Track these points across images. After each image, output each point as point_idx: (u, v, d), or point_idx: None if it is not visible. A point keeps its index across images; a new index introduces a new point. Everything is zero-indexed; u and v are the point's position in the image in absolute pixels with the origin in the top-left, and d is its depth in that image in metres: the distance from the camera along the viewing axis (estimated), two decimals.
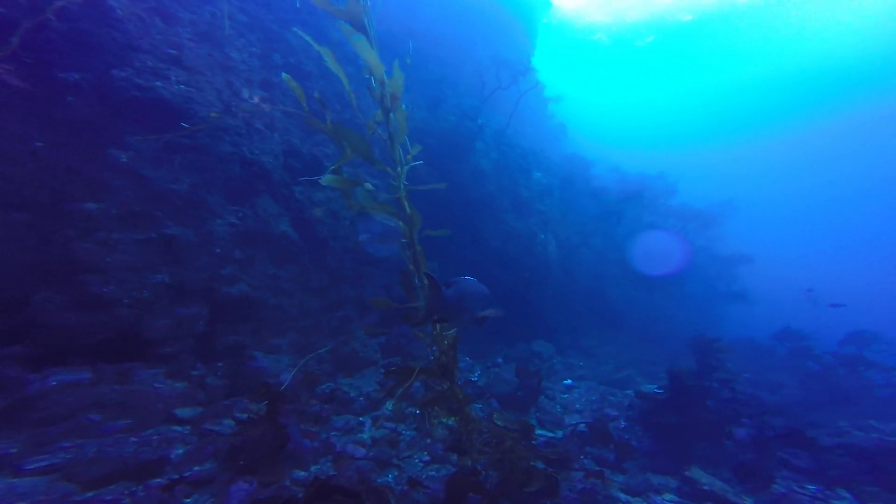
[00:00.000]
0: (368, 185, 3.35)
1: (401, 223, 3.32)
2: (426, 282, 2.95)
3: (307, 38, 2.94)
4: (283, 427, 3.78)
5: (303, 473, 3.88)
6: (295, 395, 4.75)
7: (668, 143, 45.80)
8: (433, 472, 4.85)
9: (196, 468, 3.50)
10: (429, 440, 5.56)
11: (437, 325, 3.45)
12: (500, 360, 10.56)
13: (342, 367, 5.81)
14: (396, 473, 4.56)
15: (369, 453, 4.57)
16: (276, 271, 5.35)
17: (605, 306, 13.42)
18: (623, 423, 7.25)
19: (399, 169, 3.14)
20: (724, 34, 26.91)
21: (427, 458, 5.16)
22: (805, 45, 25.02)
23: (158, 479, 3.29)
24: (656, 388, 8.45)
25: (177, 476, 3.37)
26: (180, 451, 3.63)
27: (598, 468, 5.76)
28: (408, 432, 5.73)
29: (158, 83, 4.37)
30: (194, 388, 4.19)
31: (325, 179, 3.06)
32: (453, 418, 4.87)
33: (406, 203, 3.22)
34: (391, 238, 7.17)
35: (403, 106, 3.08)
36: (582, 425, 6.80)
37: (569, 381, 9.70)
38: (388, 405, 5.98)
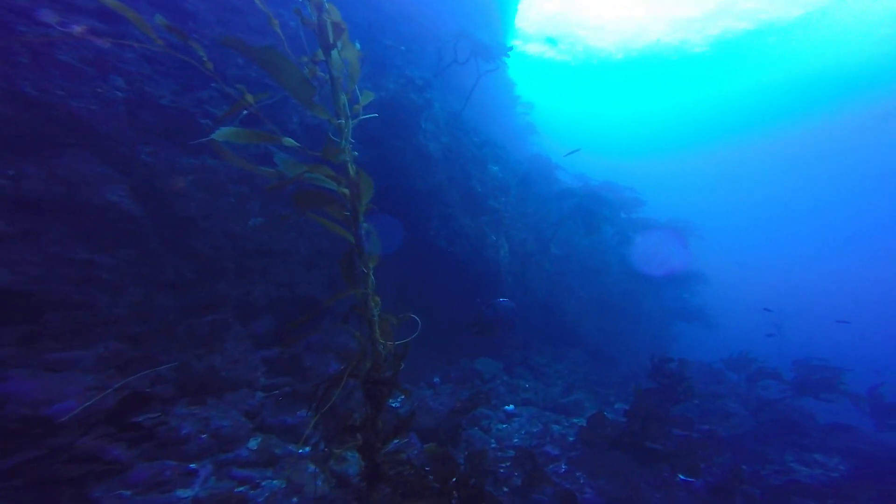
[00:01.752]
0: (289, 141, 2.44)
1: (345, 191, 2.60)
2: (369, 271, 2.72)
3: None
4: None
5: None
6: (82, 431, 3.13)
7: (635, 153, 46.96)
8: None
9: None
10: (296, 499, 4.08)
11: (379, 330, 2.88)
12: (436, 379, 9.21)
13: (191, 391, 4.20)
14: None
15: None
16: (92, 256, 3.68)
17: (561, 320, 12.47)
18: (564, 467, 6.13)
19: (344, 121, 2.42)
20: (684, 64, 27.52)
21: None
22: (777, 59, 26.06)
23: None
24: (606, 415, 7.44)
25: None
26: None
27: None
28: (273, 484, 4.21)
29: None
30: None
31: (222, 133, 2.21)
32: (363, 461, 3.54)
33: (351, 166, 2.51)
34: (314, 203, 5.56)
35: (357, 45, 2.42)
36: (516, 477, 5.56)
37: (511, 408, 8.51)
38: (253, 442, 4.43)
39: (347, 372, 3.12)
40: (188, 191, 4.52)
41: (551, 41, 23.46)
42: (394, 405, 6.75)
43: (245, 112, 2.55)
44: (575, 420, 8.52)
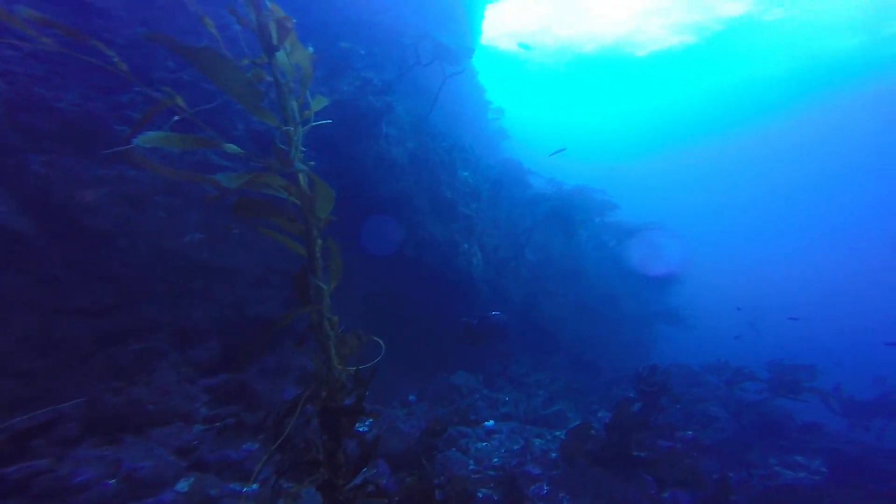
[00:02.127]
0: (232, 147, 2.15)
1: (298, 202, 2.40)
2: (323, 286, 2.43)
3: None
4: None
5: None
6: None
7: (611, 155, 47.72)
8: None
9: None
10: None
11: (336, 353, 2.63)
12: (411, 397, 8.68)
13: (102, 429, 3.58)
14: None
15: None
16: None
17: (540, 327, 12.19)
18: (546, 488, 5.72)
19: (293, 128, 2.23)
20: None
21: None
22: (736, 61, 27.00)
23: None
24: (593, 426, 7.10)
25: None
26: None
27: None
28: None
29: None
30: None
31: (147, 138, 1.90)
32: (323, 501, 3.08)
33: (302, 175, 2.30)
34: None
35: (311, 49, 2.30)
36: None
37: (490, 423, 8.07)
38: (183, 484, 3.83)
39: (304, 398, 2.78)
40: (100, 205, 3.93)
41: (525, 46, 23.59)
42: (360, 429, 6.19)
43: (176, 118, 2.24)
44: (557, 433, 8.16)
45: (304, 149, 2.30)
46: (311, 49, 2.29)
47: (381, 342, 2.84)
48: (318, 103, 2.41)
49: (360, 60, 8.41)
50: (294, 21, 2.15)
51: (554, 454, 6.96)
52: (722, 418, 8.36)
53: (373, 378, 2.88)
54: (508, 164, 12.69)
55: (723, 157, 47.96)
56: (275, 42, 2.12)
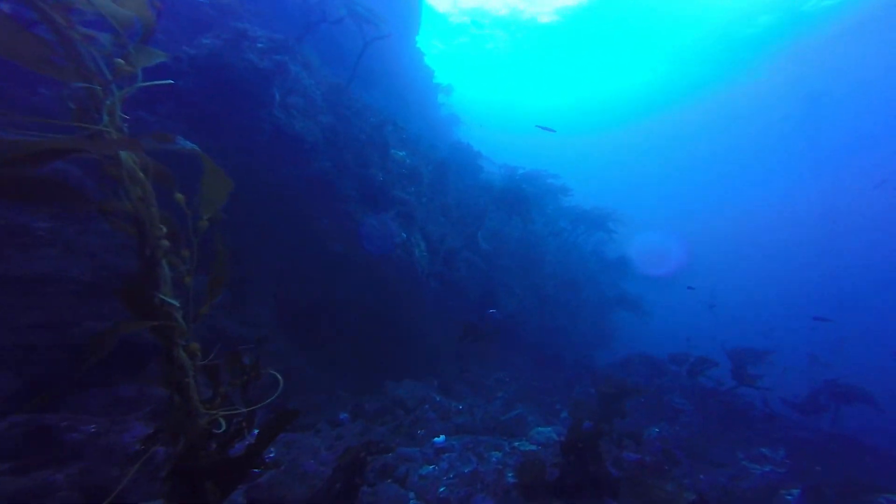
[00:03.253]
0: None
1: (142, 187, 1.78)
2: (173, 302, 1.89)
3: None
4: None
5: None
6: None
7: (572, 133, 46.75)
8: None
9: None
10: None
11: (194, 392, 2.01)
12: (343, 415, 7.40)
13: None
14: None
15: None
16: None
17: (499, 322, 11.25)
18: None
19: (100, 87, 1.67)
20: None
21: None
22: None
23: None
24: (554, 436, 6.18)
25: None
26: None
27: None
28: None
29: None
30: None
31: None
32: None
33: (133, 157, 1.73)
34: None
35: None
36: None
37: (441, 439, 6.96)
38: None
39: (150, 448, 2.20)
40: None
41: (478, 24, 22.47)
42: (254, 471, 4.85)
43: None
44: (517, 443, 7.21)
45: (125, 116, 1.74)
46: None
47: (278, 375, 2.26)
48: (146, 57, 1.84)
49: (256, 20, 6.91)
50: None
51: (510, 474, 5.97)
52: (687, 411, 7.78)
53: (280, 427, 2.22)
54: (458, 148, 11.58)
55: (664, 130, 47.37)
56: None
